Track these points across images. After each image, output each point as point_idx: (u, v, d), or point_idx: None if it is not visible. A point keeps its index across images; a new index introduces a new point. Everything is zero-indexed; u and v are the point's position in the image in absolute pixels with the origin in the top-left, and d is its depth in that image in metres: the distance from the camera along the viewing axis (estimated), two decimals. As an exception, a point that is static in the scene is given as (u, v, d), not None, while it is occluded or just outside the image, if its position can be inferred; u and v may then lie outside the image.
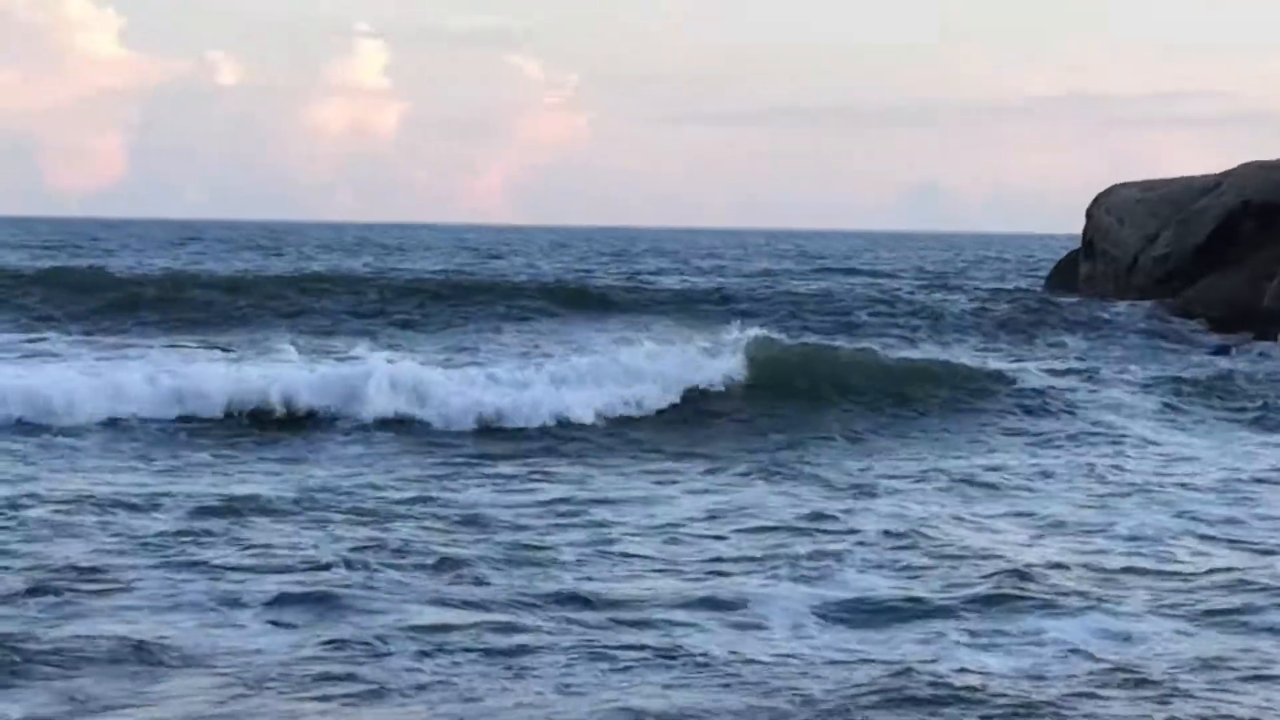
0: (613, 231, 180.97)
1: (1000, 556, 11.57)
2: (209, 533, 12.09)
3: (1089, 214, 39.14)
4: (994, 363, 25.21)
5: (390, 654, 8.99)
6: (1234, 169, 37.27)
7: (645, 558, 11.62)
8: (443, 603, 10.13)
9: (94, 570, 10.75)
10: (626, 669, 8.82)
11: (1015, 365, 25.02)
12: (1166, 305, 34.46)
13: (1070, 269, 40.33)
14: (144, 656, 8.90)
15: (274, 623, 9.61)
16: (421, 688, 8.45)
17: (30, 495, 13.47)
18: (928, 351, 27.06)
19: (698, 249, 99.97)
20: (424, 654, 9.00)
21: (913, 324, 33.28)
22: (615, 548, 11.96)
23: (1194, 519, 13.45)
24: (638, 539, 12.30)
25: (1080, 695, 8.43)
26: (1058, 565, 11.42)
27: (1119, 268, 37.44)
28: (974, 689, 8.43)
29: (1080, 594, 10.55)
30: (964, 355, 26.77)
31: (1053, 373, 24.26)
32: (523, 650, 9.12)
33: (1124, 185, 39.70)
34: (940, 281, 55.26)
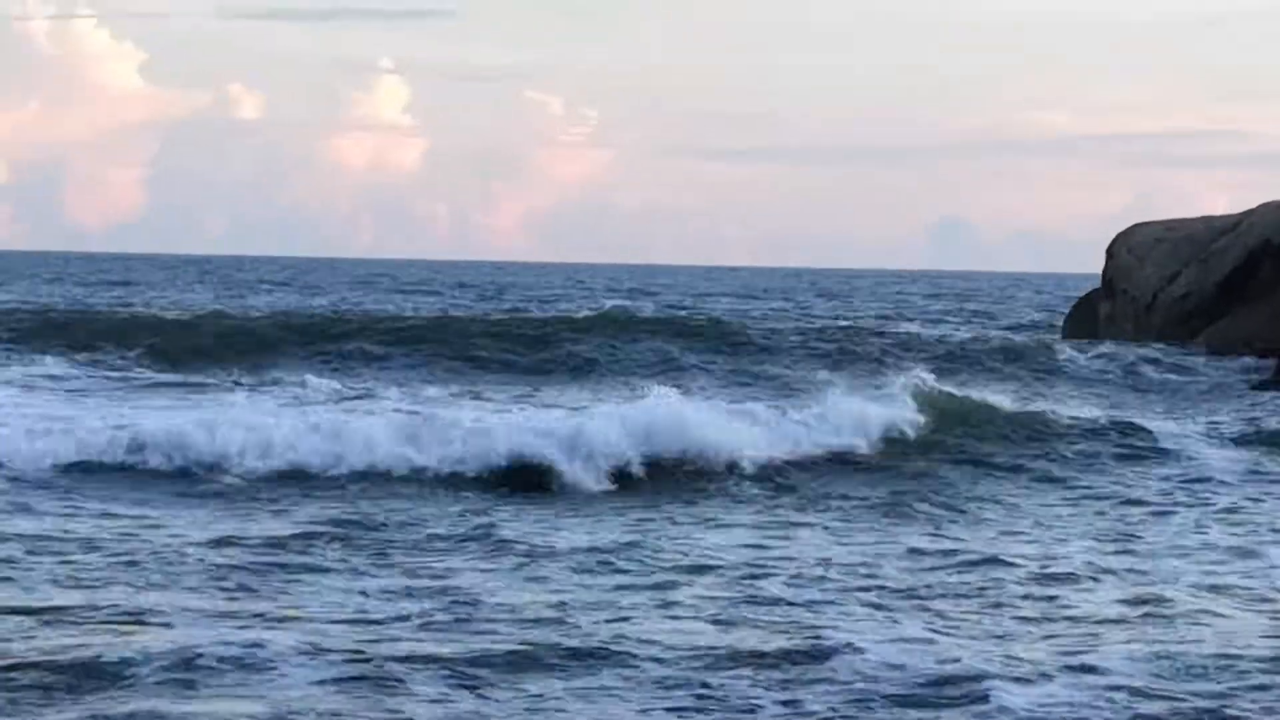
0: (637, 269, 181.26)
1: None
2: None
3: (1110, 253, 39.19)
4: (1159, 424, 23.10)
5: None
6: (1254, 208, 37.32)
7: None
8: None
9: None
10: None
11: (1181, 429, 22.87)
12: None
13: (1088, 308, 40.37)
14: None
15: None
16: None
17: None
18: (1060, 403, 25.48)
19: (749, 287, 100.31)
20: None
21: (1019, 373, 32.01)
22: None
23: None
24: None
25: None
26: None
27: (1138, 307, 37.48)
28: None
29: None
30: (1128, 413, 24.69)
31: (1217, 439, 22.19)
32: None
33: (1145, 224, 39.77)
34: (991, 320, 55.48)
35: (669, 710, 8.99)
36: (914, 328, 44.42)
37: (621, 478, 17.98)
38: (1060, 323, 44.62)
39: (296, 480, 17.36)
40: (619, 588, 12.11)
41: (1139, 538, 14.98)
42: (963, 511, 16.50)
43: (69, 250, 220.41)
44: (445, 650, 9.95)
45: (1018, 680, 9.45)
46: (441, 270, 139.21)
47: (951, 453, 20.11)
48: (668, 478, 18.14)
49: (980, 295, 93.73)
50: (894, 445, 20.05)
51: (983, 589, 12.24)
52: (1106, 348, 34.72)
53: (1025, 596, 11.99)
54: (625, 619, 11.01)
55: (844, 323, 46.77)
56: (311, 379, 24.83)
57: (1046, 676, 9.57)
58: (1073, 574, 12.84)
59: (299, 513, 15.48)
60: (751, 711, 9.01)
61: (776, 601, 11.67)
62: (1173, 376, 31.59)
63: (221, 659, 9.61)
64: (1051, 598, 11.96)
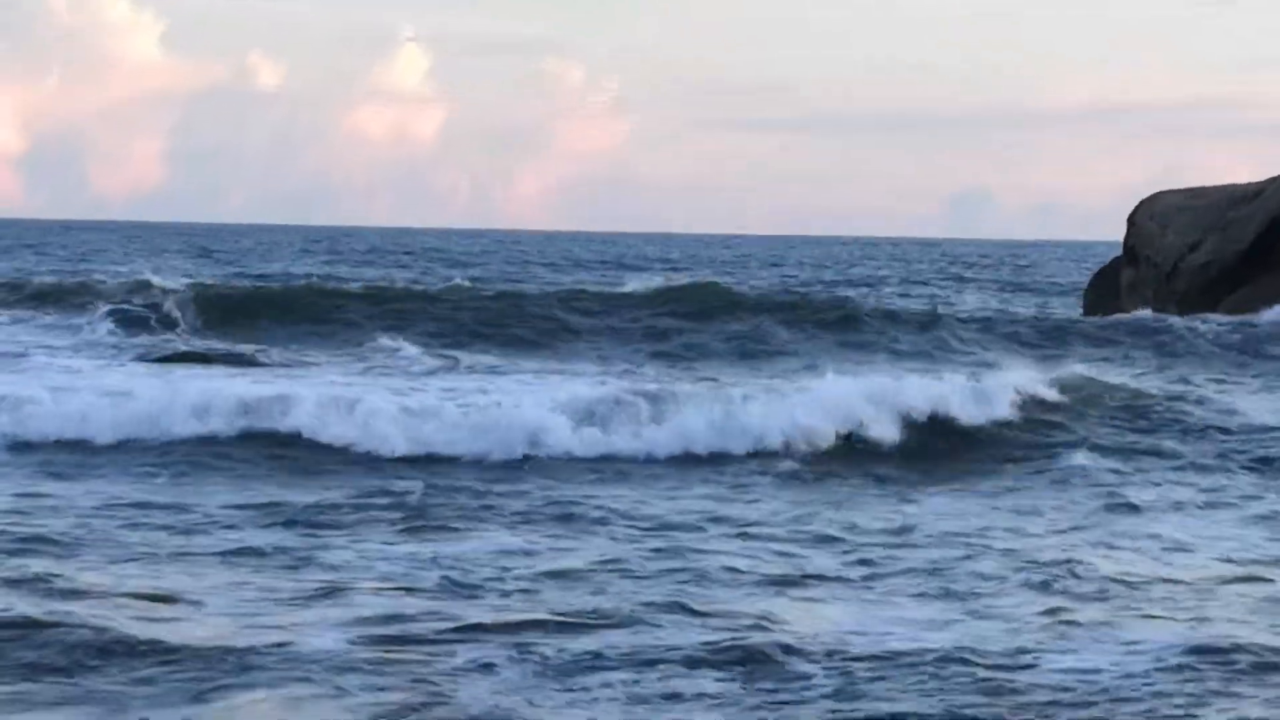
0: (657, 238, 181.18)
1: None
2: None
3: (1131, 221, 39.21)
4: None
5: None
6: (1276, 176, 37.36)
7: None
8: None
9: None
10: None
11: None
12: None
13: (1111, 276, 40.40)
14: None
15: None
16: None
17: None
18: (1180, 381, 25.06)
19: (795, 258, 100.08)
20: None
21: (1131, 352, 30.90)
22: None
23: None
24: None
25: None
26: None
27: (1160, 275, 37.53)
28: None
29: None
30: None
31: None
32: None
33: (1167, 192, 39.77)
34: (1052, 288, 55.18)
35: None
36: (972, 300, 44.58)
37: None
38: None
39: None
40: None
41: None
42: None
43: (90, 220, 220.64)
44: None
45: None
46: (470, 239, 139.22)
47: None
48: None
49: (1007, 265, 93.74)
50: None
51: None
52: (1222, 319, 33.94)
53: None
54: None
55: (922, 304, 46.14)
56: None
57: None
58: None
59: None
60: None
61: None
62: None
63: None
64: None
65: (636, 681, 8.94)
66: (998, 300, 52.47)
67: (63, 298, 33.13)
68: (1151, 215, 38.56)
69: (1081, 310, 40.62)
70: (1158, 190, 40.00)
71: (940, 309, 38.55)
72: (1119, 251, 40.17)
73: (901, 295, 54.71)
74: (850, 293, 50.38)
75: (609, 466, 17.16)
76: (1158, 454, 18.41)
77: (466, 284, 38.00)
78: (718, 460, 17.59)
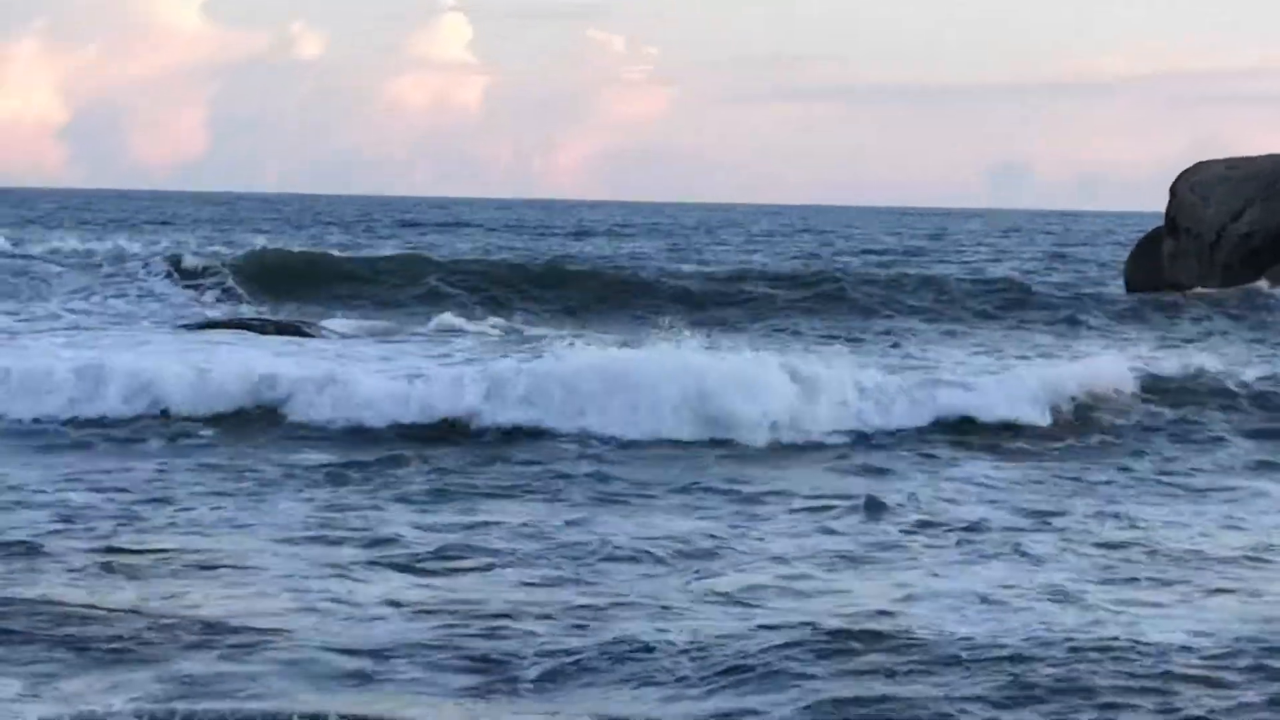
0: (693, 208, 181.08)
1: None
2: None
3: (1173, 191, 38.99)
4: None
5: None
6: (1320, 146, 37.17)
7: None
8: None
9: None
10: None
11: None
12: None
13: (1152, 247, 40.18)
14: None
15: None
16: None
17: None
18: None
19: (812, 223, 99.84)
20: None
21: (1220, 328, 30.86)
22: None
23: None
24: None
25: None
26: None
27: (1202, 245, 37.33)
28: None
29: None
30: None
31: None
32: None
33: (1209, 162, 39.55)
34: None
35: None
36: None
37: None
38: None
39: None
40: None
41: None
42: None
43: (130, 189, 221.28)
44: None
45: None
46: (520, 209, 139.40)
47: None
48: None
49: (1045, 236, 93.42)
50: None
51: None
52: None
53: None
54: None
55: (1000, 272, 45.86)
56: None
57: None
58: None
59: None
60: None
61: None
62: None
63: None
64: None
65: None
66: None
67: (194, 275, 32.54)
68: (1192, 186, 38.34)
69: (1123, 283, 40.39)
70: (1201, 160, 39.80)
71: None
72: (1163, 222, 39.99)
73: (991, 264, 54.78)
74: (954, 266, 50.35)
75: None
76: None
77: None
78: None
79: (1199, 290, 35.42)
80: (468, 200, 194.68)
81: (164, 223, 78.57)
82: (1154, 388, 19.58)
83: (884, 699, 8.23)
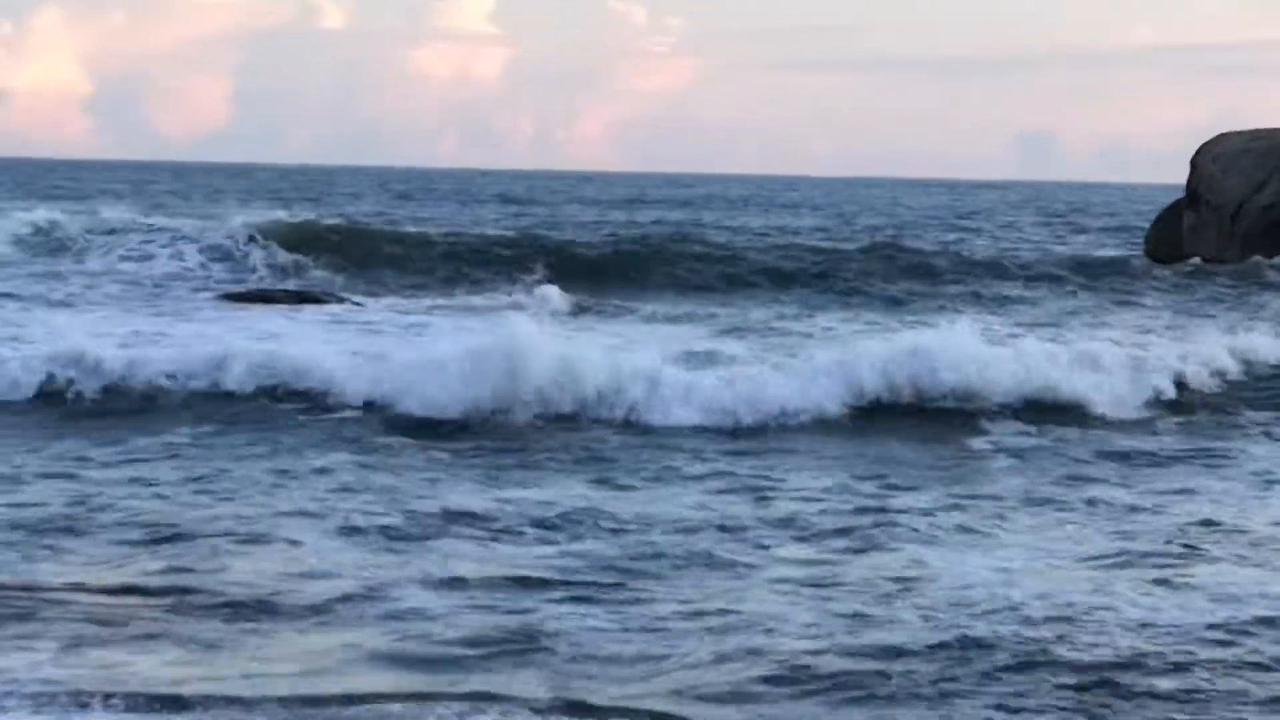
0: (715, 179, 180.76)
1: None
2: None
3: (1194, 163, 39.04)
4: None
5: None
6: (1342, 118, 37.17)
7: None
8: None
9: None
10: None
11: None
12: None
13: (1173, 219, 40.26)
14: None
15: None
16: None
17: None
18: None
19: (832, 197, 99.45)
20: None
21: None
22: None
23: None
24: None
25: None
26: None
27: (1223, 217, 37.39)
28: None
29: None
30: None
31: None
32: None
33: (1230, 134, 39.57)
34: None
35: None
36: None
37: None
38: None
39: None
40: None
41: None
42: None
43: (154, 160, 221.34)
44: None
45: None
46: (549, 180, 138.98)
47: None
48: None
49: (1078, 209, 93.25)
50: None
51: None
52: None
53: None
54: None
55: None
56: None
57: None
58: None
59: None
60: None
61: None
62: None
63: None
64: None
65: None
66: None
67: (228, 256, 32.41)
68: (1213, 158, 38.39)
69: (1143, 253, 40.47)
70: (1223, 132, 39.83)
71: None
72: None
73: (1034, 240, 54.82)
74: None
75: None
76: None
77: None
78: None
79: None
80: (490, 171, 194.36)
81: (247, 193, 76.41)
82: None
83: None
